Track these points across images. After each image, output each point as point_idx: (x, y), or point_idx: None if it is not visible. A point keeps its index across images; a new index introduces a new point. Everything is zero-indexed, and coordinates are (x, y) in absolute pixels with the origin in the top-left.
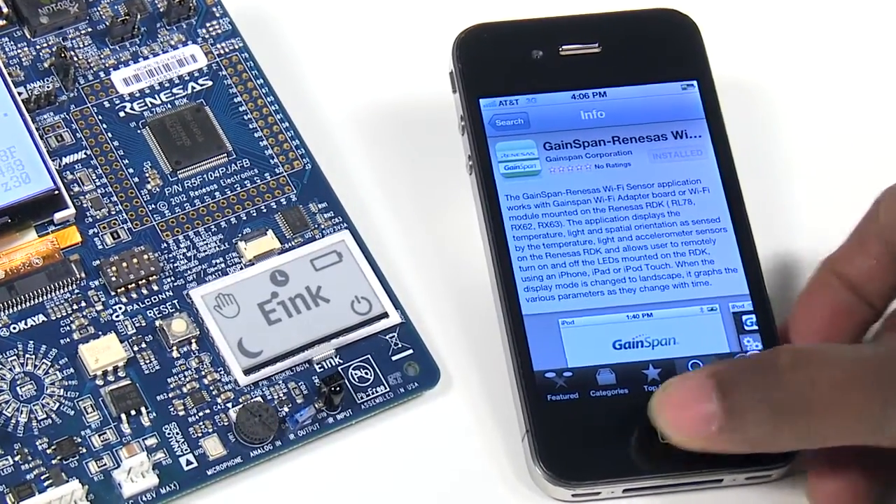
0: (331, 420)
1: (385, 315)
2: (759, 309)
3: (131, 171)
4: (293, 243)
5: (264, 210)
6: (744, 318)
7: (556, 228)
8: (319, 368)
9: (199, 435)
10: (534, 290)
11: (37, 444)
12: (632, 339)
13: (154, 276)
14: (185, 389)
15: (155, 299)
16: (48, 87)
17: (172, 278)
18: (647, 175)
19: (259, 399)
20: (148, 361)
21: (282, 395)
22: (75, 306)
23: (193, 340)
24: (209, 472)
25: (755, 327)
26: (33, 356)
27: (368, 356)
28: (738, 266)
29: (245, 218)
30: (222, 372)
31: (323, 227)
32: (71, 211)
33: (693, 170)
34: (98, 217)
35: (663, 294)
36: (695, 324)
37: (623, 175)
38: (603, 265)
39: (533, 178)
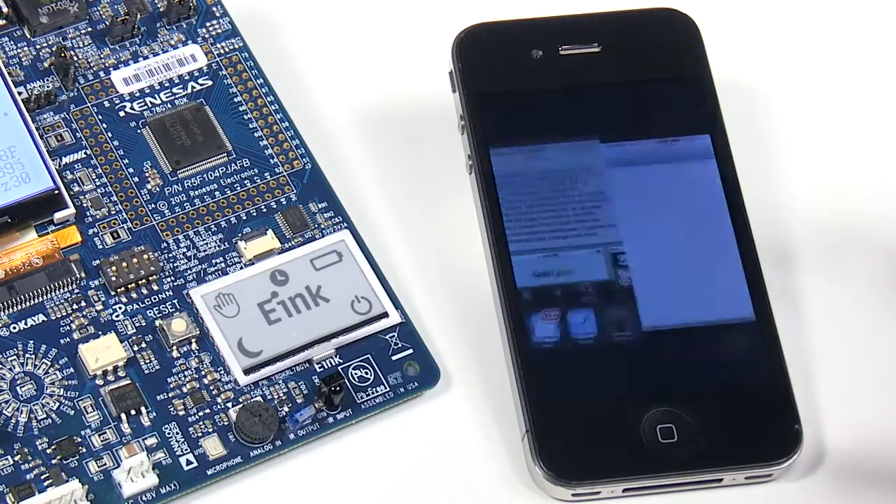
0: (331, 420)
1: (385, 315)
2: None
3: (131, 170)
4: (293, 243)
5: (264, 210)
6: None
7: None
8: (319, 368)
9: (199, 435)
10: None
11: (37, 443)
12: None
13: (154, 276)
14: (185, 389)
15: (155, 299)
16: (48, 86)
17: (172, 278)
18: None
19: (259, 399)
20: (148, 361)
21: (282, 394)
22: (75, 306)
23: (193, 340)
24: (209, 472)
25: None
26: (33, 356)
27: (368, 356)
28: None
29: (245, 218)
30: (222, 372)
31: (323, 226)
32: (71, 211)
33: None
34: (98, 217)
35: None
36: None
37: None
38: None
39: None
